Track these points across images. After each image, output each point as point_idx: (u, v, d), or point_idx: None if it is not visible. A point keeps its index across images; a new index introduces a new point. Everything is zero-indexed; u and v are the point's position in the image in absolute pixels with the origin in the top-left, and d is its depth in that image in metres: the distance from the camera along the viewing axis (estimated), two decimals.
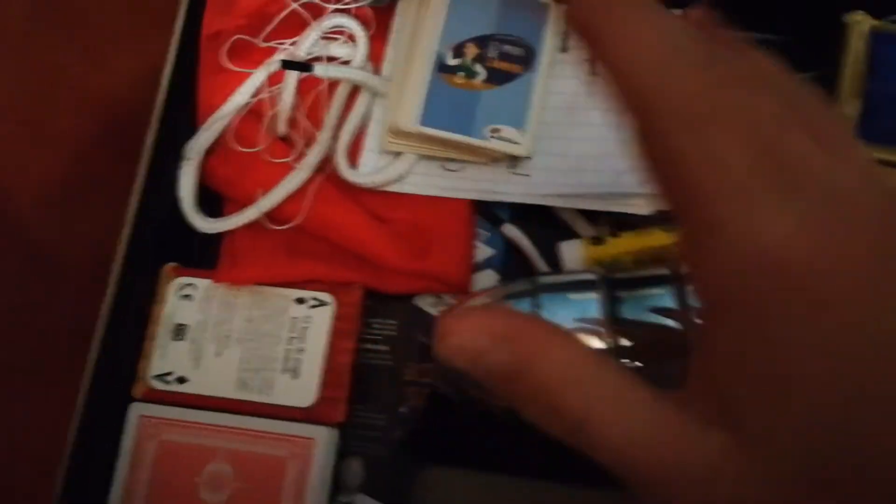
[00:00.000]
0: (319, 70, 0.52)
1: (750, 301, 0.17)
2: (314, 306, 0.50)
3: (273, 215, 0.51)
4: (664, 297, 0.43)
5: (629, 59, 0.19)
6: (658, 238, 0.49)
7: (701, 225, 0.17)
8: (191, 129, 0.53)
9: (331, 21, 0.54)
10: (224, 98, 0.53)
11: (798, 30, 0.53)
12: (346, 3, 0.54)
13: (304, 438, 0.47)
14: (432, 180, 0.53)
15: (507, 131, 0.51)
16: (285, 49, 0.54)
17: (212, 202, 0.53)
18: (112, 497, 0.47)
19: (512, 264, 0.53)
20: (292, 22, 0.54)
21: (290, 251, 0.51)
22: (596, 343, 0.41)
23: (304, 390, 0.48)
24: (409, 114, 0.51)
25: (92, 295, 0.51)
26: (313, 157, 0.52)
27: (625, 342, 0.40)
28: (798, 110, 0.18)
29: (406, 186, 0.53)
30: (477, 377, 0.20)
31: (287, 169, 0.52)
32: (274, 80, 0.54)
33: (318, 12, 0.54)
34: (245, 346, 0.49)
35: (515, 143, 0.51)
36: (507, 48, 0.53)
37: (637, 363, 0.41)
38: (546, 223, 0.53)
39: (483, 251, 0.53)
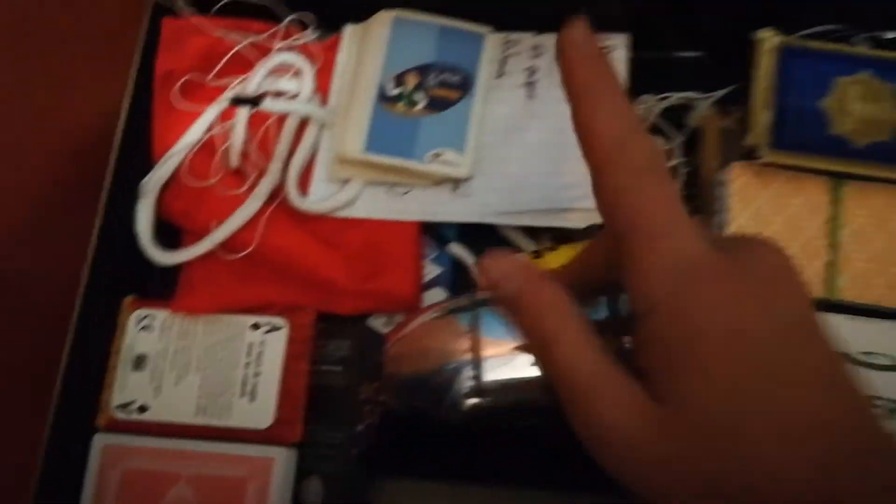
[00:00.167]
0: (268, 105, 0.55)
1: (673, 298, 0.23)
2: (269, 331, 0.52)
3: (228, 245, 0.53)
4: (598, 308, 0.45)
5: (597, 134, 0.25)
6: None
7: (642, 243, 0.23)
8: (147, 165, 0.56)
9: (278, 58, 0.57)
10: (178, 135, 0.56)
11: (715, 47, 0.56)
12: (292, 41, 0.57)
13: (263, 459, 0.49)
14: (380, 204, 0.55)
15: (449, 155, 0.54)
16: (235, 86, 0.56)
17: (170, 234, 0.56)
18: None
19: (459, 281, 0.55)
20: (241, 60, 0.57)
21: (245, 278, 0.53)
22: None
23: (261, 412, 0.50)
24: (354, 142, 0.54)
25: (54, 329, 0.53)
26: (265, 187, 0.54)
27: None
28: None
29: (355, 211, 0.55)
30: (493, 294, 0.27)
31: (240, 200, 0.54)
32: (225, 115, 0.56)
33: (265, 50, 0.57)
34: (203, 373, 0.51)
35: (456, 165, 0.54)
36: (446, 76, 0.56)
37: None
38: (490, 240, 0.55)
39: (431, 270, 0.55)
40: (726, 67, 0.55)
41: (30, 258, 0.55)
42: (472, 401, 0.46)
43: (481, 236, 0.55)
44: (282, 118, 0.56)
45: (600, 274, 0.28)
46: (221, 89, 0.57)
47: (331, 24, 0.59)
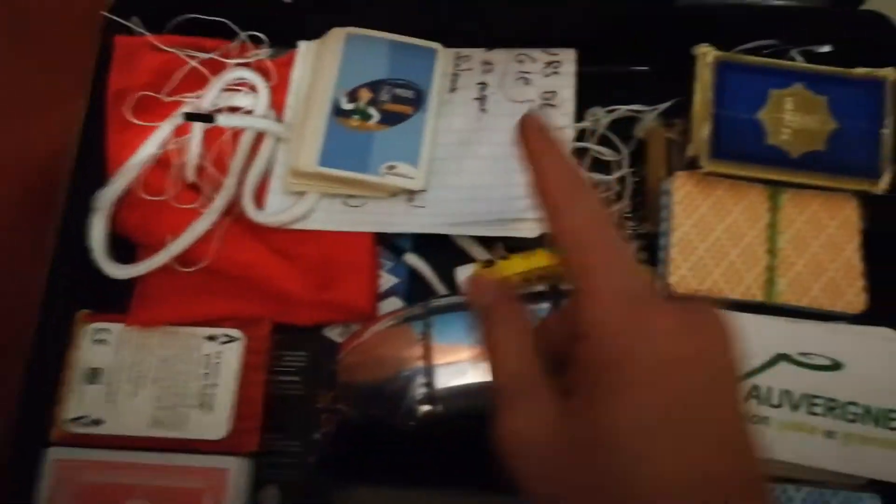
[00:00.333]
0: (222, 120, 0.56)
1: (613, 323, 0.25)
2: (225, 342, 0.52)
3: (183, 258, 0.54)
4: (543, 311, 0.46)
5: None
6: (543, 259, 0.53)
7: (591, 274, 0.27)
8: (102, 181, 0.56)
9: (232, 74, 0.58)
10: (132, 151, 0.56)
11: (658, 62, 0.58)
12: (247, 57, 0.58)
13: (218, 469, 0.50)
14: (335, 216, 0.56)
15: (402, 167, 0.55)
16: (190, 102, 0.57)
17: (126, 249, 0.56)
18: None
19: (415, 291, 0.56)
20: (196, 76, 0.58)
21: (200, 291, 0.54)
22: (480, 357, 0.44)
23: (217, 423, 0.51)
24: (309, 156, 0.55)
25: (10, 343, 0.53)
26: (220, 201, 0.55)
27: None
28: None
29: (311, 224, 0.56)
30: (473, 304, 0.31)
31: (196, 214, 0.54)
32: (180, 131, 0.57)
33: (219, 67, 0.58)
34: (159, 385, 0.52)
35: (410, 178, 0.55)
36: (399, 91, 0.57)
37: None
38: (445, 250, 0.57)
39: (387, 280, 0.56)
40: (670, 81, 0.57)
41: None
42: (426, 407, 0.47)
43: (436, 246, 0.56)
44: (237, 133, 0.57)
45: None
46: (176, 105, 0.57)
47: (284, 42, 0.60)
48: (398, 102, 0.57)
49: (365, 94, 0.57)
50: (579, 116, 0.58)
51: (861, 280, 0.51)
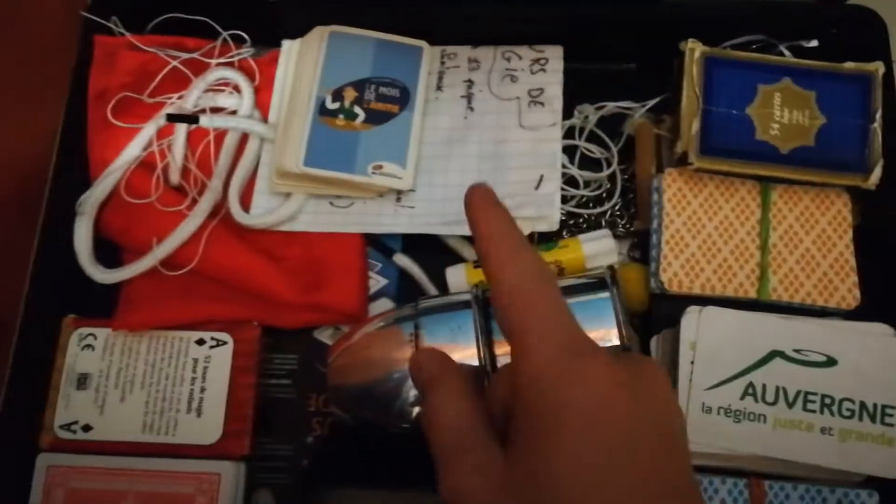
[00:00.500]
0: (205, 121, 0.55)
1: (552, 373, 0.26)
2: (214, 346, 0.52)
3: (169, 261, 0.53)
4: None
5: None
6: None
7: (530, 327, 0.28)
8: (85, 184, 0.55)
9: (215, 74, 0.57)
10: (115, 153, 0.55)
11: (646, 58, 0.58)
12: (229, 57, 0.57)
13: (210, 474, 0.49)
14: (323, 217, 0.56)
15: (389, 167, 0.55)
16: (173, 103, 0.56)
17: (111, 252, 0.55)
18: None
19: (405, 291, 0.56)
20: (178, 76, 0.57)
21: (187, 295, 0.53)
22: (470, 356, 0.44)
23: (208, 428, 0.50)
24: (294, 156, 0.54)
25: None
26: (205, 203, 0.54)
27: (497, 353, 0.44)
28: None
29: (298, 225, 0.55)
30: (414, 381, 0.34)
31: (181, 217, 0.54)
32: (164, 132, 0.56)
33: (201, 67, 0.57)
34: (148, 390, 0.51)
35: (398, 177, 0.55)
36: (384, 90, 0.56)
37: None
38: (435, 250, 0.56)
39: (377, 281, 0.56)
40: (658, 77, 0.57)
41: None
42: (418, 409, 0.46)
43: (426, 246, 0.56)
44: (221, 134, 0.56)
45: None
46: (158, 106, 0.57)
47: (266, 41, 0.59)
48: (384, 101, 0.56)
49: (350, 93, 0.56)
50: (567, 113, 0.58)
51: (854, 276, 0.51)
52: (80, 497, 0.49)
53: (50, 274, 0.54)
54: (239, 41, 0.58)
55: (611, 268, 0.46)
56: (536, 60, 0.58)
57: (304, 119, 0.55)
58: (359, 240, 0.55)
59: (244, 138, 0.56)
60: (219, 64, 0.57)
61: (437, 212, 0.55)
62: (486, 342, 0.44)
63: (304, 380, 0.54)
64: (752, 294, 0.51)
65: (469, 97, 0.58)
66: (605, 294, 0.44)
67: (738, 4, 0.57)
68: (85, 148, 0.56)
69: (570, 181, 0.58)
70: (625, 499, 0.24)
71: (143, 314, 0.52)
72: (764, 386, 0.47)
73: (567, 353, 0.26)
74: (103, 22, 0.57)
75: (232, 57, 0.57)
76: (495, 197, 0.31)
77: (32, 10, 0.59)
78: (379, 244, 0.56)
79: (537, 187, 0.54)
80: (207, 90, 0.57)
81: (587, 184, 0.58)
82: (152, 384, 0.51)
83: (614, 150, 0.58)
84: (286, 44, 0.59)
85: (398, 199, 0.56)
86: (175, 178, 0.55)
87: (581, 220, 0.58)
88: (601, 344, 0.33)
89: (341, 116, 0.55)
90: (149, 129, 0.55)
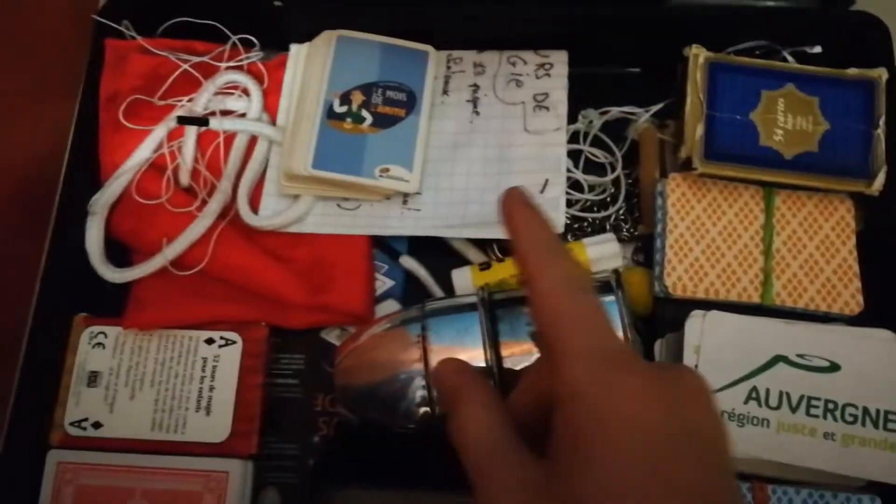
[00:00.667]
0: (215, 124, 0.56)
1: (593, 385, 0.25)
2: (223, 346, 0.52)
3: (178, 261, 0.54)
4: None
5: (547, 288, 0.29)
6: None
7: (570, 336, 0.27)
8: (96, 185, 0.56)
9: (225, 77, 0.58)
10: (126, 155, 0.56)
11: (650, 63, 0.59)
12: (238, 60, 0.58)
13: (218, 472, 0.50)
14: (330, 219, 0.56)
15: (396, 170, 0.55)
16: (183, 106, 0.57)
17: (121, 252, 0.56)
18: None
19: (411, 293, 0.56)
20: (189, 79, 0.58)
21: (197, 294, 0.54)
22: (477, 358, 0.44)
23: (217, 426, 0.51)
24: (302, 159, 0.55)
25: (6, 348, 0.53)
26: (215, 204, 0.55)
27: (503, 355, 0.44)
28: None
29: (305, 227, 0.56)
30: (437, 390, 0.36)
31: (190, 218, 0.54)
32: (174, 135, 0.57)
33: (211, 70, 0.58)
34: (158, 388, 0.52)
35: (404, 180, 0.55)
36: (391, 94, 0.57)
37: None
38: (440, 252, 0.57)
39: (383, 283, 0.57)
40: (662, 82, 0.57)
41: None
42: (424, 410, 0.47)
43: (432, 249, 0.56)
44: (231, 137, 0.57)
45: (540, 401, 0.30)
46: (168, 109, 0.57)
47: (275, 45, 0.59)
48: (391, 105, 0.57)
49: (357, 97, 0.57)
50: (572, 118, 0.58)
51: (857, 281, 0.51)
52: (90, 493, 0.50)
53: (61, 273, 0.55)
54: (248, 45, 0.59)
55: (615, 271, 0.47)
56: (541, 65, 0.59)
57: (312, 122, 0.55)
58: (365, 242, 0.56)
59: (253, 141, 0.57)
60: (228, 67, 0.58)
61: (443, 215, 0.56)
62: (493, 344, 0.45)
63: (311, 380, 0.54)
64: (756, 299, 0.51)
65: (475, 101, 0.58)
66: (610, 297, 0.45)
67: (741, 10, 0.58)
68: (96, 150, 0.57)
69: (574, 185, 0.58)
70: None
71: (153, 313, 0.52)
72: (767, 390, 0.48)
73: (610, 365, 0.26)
74: (114, 25, 0.58)
75: (241, 61, 0.58)
76: (531, 200, 0.31)
77: (42, 15, 0.60)
78: (385, 246, 0.57)
79: (542, 191, 0.55)
80: (217, 93, 0.57)
81: (592, 188, 0.59)
82: (162, 382, 0.52)
83: (618, 154, 0.58)
84: (294, 48, 0.59)
85: (404, 202, 0.56)
86: (185, 179, 0.56)
87: (585, 223, 0.58)
88: None
89: (349, 120, 0.56)
90: (159, 132, 0.56)
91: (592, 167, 0.59)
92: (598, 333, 0.27)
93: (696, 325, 0.49)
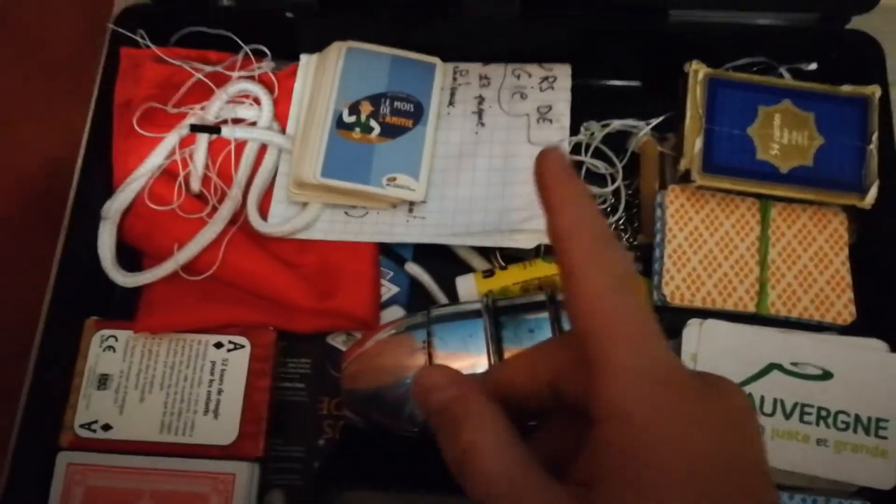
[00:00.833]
0: (227, 132, 0.57)
1: (640, 406, 0.23)
2: (231, 350, 0.54)
3: (189, 266, 0.55)
4: (542, 320, 0.48)
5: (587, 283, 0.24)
6: (541, 269, 0.54)
7: (614, 349, 0.23)
8: (108, 191, 0.57)
9: (236, 86, 0.59)
10: (138, 161, 0.57)
11: (651, 78, 0.60)
12: (249, 70, 0.59)
13: (225, 474, 0.51)
14: (337, 226, 0.57)
15: (403, 179, 0.57)
16: (195, 113, 0.58)
17: (131, 257, 0.57)
18: None
19: (416, 299, 0.58)
20: (201, 88, 0.59)
21: (206, 299, 0.55)
22: (480, 364, 0.46)
23: (224, 429, 0.52)
24: (312, 167, 0.56)
25: (17, 350, 0.54)
26: (225, 211, 0.56)
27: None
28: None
29: (313, 233, 0.57)
30: (422, 405, 0.27)
31: (201, 223, 0.56)
32: (186, 142, 0.58)
33: (223, 79, 0.59)
34: (167, 391, 0.53)
35: (411, 189, 0.57)
36: (399, 104, 0.58)
37: None
38: (445, 260, 0.58)
39: (389, 289, 0.58)
40: (662, 96, 0.59)
41: None
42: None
43: (436, 256, 0.58)
44: (241, 144, 0.58)
45: (541, 386, 0.27)
46: (181, 117, 0.58)
47: (286, 55, 0.61)
48: (398, 115, 0.58)
49: (366, 107, 0.58)
50: (574, 129, 0.60)
51: (849, 292, 0.53)
52: (99, 494, 0.51)
53: (72, 277, 0.56)
54: (259, 55, 0.60)
55: None
56: (545, 78, 0.60)
57: (321, 131, 0.57)
58: (372, 248, 0.57)
59: (263, 149, 0.58)
60: (240, 77, 0.59)
61: (448, 223, 0.57)
62: (497, 350, 0.46)
63: (317, 383, 0.55)
64: (752, 308, 0.53)
65: (480, 113, 0.60)
66: None
67: (740, 27, 0.59)
68: (108, 156, 0.58)
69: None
70: None
71: (163, 317, 0.53)
72: (762, 397, 0.49)
73: (660, 384, 0.23)
74: (129, 34, 0.59)
75: (252, 70, 0.59)
76: (573, 170, 0.25)
77: (57, 23, 0.61)
78: (391, 253, 0.58)
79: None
80: (229, 102, 0.59)
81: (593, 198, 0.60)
82: (171, 385, 0.53)
83: (619, 166, 0.60)
84: (304, 58, 0.61)
85: (410, 210, 0.58)
86: (196, 186, 0.57)
87: None
88: None
89: (357, 129, 0.57)
90: (171, 139, 0.57)
91: (594, 178, 0.61)
92: (649, 346, 0.23)
93: (693, 334, 0.51)
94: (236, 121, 0.59)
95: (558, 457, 0.27)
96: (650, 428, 0.22)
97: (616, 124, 0.61)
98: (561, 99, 0.59)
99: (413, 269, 0.58)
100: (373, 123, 0.58)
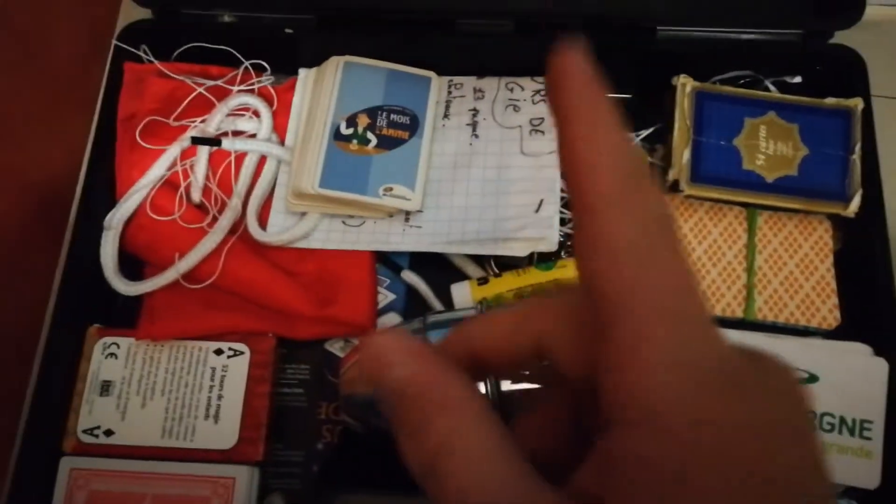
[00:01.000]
0: (227, 144, 0.58)
1: (675, 410, 0.17)
2: (231, 356, 0.55)
3: (190, 275, 0.56)
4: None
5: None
6: (535, 276, 0.56)
7: (644, 329, 0.17)
8: (110, 202, 0.58)
9: (236, 100, 0.60)
10: (141, 172, 0.58)
11: (641, 91, 0.62)
12: (249, 84, 0.61)
13: (226, 478, 0.52)
14: (335, 235, 0.59)
15: (399, 189, 0.58)
16: (196, 126, 0.60)
17: (133, 266, 0.58)
18: None
19: (412, 307, 0.59)
20: (202, 101, 0.60)
21: (207, 307, 0.56)
22: None
23: (224, 433, 0.53)
24: (310, 178, 0.57)
25: (21, 357, 0.55)
26: (225, 221, 0.57)
27: None
28: None
29: (312, 242, 0.58)
30: (376, 384, 0.20)
31: (202, 233, 0.57)
32: (187, 154, 0.59)
33: (223, 93, 0.60)
34: (168, 397, 0.54)
35: (407, 199, 0.58)
36: (395, 117, 0.60)
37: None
38: (440, 268, 0.59)
39: (386, 296, 0.59)
40: (651, 109, 0.61)
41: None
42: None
43: (432, 264, 0.59)
44: (241, 156, 0.59)
45: (525, 355, 0.21)
46: (182, 129, 0.60)
47: (285, 69, 0.62)
48: (394, 128, 0.60)
49: (363, 120, 0.60)
50: None
51: (834, 297, 0.54)
52: (101, 499, 0.52)
53: (75, 286, 0.57)
54: (259, 69, 0.62)
55: None
56: (538, 91, 0.62)
57: (319, 143, 0.58)
58: (369, 257, 0.58)
59: (262, 160, 0.60)
60: (240, 90, 0.60)
61: (444, 232, 0.58)
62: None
63: (316, 389, 0.56)
64: (739, 314, 0.54)
65: (474, 125, 0.61)
66: None
67: (727, 42, 0.61)
68: (111, 167, 0.59)
69: (568, 205, 0.61)
70: None
71: (165, 325, 0.55)
72: None
73: (709, 383, 0.17)
74: (133, 50, 0.60)
75: (252, 84, 0.61)
76: (593, 75, 0.19)
77: (61, 38, 0.63)
78: (388, 261, 0.60)
79: (537, 210, 0.57)
80: (229, 115, 0.60)
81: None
82: (172, 391, 0.54)
83: None
84: (303, 72, 0.62)
85: (407, 220, 0.59)
86: (197, 196, 0.59)
87: None
88: None
89: (355, 141, 0.59)
90: (173, 151, 0.59)
91: None
92: (693, 327, 0.17)
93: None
94: (236, 133, 0.60)
95: (548, 452, 0.21)
96: (691, 444, 0.17)
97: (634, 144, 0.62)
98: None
99: (409, 276, 0.59)
100: (370, 135, 0.59)
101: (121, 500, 0.52)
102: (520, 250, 0.56)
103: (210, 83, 0.60)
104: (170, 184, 0.59)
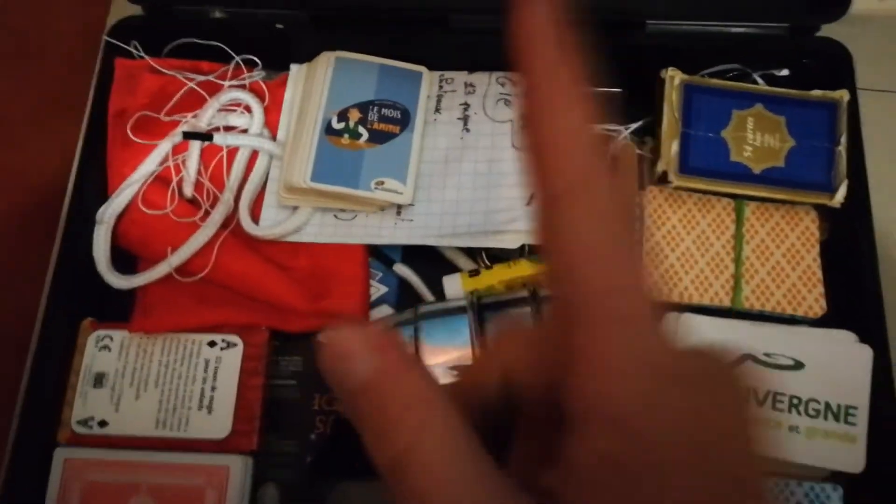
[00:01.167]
0: (218, 139, 0.59)
1: (643, 408, 0.17)
2: (224, 348, 0.55)
3: (182, 269, 0.56)
4: (525, 315, 0.50)
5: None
6: (525, 268, 0.56)
7: (607, 323, 0.18)
8: (103, 196, 0.59)
9: (228, 95, 0.61)
10: (133, 167, 0.59)
11: (630, 84, 0.62)
12: (241, 79, 0.61)
13: (219, 467, 0.52)
14: (327, 229, 0.59)
15: (391, 183, 0.59)
16: (188, 121, 0.60)
17: (126, 260, 0.59)
18: None
19: (404, 299, 0.59)
20: (194, 97, 0.61)
21: (200, 300, 0.56)
22: (466, 357, 0.48)
23: (218, 424, 0.53)
24: (302, 172, 0.58)
25: (15, 350, 0.56)
26: (218, 215, 0.58)
27: None
28: None
29: (304, 236, 0.59)
30: (334, 379, 0.19)
31: (194, 227, 0.57)
32: (179, 149, 0.60)
33: (215, 88, 0.61)
34: (162, 389, 0.54)
35: (398, 193, 0.59)
36: (386, 112, 0.60)
37: None
38: (432, 260, 0.60)
39: (378, 289, 0.60)
40: (641, 102, 0.61)
41: None
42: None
43: (424, 257, 0.60)
44: (233, 151, 0.60)
45: (494, 387, 0.22)
46: (174, 124, 0.60)
47: (276, 64, 0.63)
48: (386, 122, 0.60)
49: (354, 114, 0.60)
50: None
51: (820, 286, 0.55)
52: (96, 489, 0.52)
53: (69, 280, 0.57)
54: (251, 65, 0.62)
55: None
56: None
57: (311, 138, 0.59)
58: (361, 250, 0.59)
59: (254, 155, 0.60)
60: (231, 86, 0.61)
61: (435, 225, 0.59)
62: (481, 345, 0.48)
63: (309, 381, 0.57)
64: (727, 303, 0.55)
65: (465, 119, 0.62)
66: None
67: (715, 36, 0.62)
68: (103, 162, 0.60)
69: None
70: None
71: (158, 318, 0.55)
72: None
73: (657, 377, 0.18)
74: (124, 46, 0.61)
75: (244, 79, 0.61)
76: (562, 42, 0.19)
77: (55, 33, 0.63)
78: (380, 254, 0.60)
79: (528, 203, 0.58)
80: (221, 110, 0.60)
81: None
82: (165, 383, 0.54)
83: None
84: (294, 67, 0.63)
85: (398, 213, 0.59)
86: (189, 191, 0.59)
87: None
88: None
89: (346, 136, 0.59)
90: (165, 146, 0.59)
91: None
92: (647, 325, 0.18)
93: (670, 327, 0.52)
94: (228, 128, 0.60)
95: (519, 462, 0.22)
96: (647, 436, 0.17)
97: (596, 129, 0.62)
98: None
99: (401, 269, 0.60)
100: (361, 130, 0.60)
101: (115, 489, 0.52)
102: (511, 242, 0.57)
103: (201, 78, 0.61)
104: (161, 179, 0.59)
